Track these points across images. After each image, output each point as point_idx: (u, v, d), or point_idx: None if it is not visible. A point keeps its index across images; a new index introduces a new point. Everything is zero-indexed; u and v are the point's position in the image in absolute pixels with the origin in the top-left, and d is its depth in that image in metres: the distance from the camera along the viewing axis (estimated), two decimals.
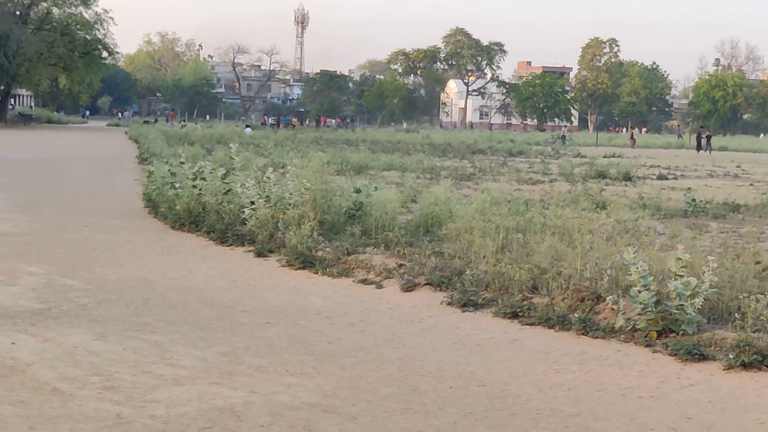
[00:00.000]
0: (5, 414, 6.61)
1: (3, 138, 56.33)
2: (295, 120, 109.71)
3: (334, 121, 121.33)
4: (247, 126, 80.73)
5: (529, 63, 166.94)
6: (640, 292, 9.14)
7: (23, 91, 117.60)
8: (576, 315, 9.63)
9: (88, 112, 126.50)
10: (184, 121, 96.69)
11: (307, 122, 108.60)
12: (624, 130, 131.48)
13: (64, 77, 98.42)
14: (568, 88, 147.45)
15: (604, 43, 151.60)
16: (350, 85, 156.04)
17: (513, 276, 10.79)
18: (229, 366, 8.04)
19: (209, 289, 11.54)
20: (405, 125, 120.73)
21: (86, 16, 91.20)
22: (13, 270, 12.39)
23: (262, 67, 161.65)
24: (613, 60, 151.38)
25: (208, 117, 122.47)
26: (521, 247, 12.29)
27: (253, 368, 7.98)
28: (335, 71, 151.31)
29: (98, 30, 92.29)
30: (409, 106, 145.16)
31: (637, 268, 9.24)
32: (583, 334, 9.33)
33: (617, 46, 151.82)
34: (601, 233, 12.21)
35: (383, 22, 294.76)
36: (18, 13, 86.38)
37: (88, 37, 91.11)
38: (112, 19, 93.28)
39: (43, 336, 8.88)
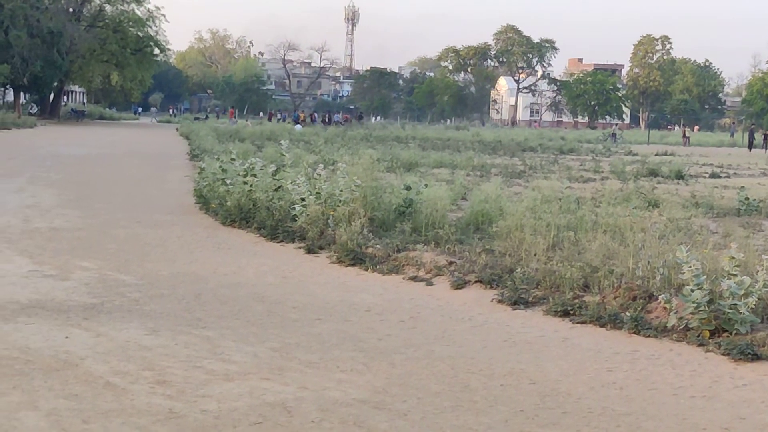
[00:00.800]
0: (59, 407, 6.67)
1: (56, 134, 57.04)
2: (303, 114, 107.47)
3: (340, 116, 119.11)
4: (297, 123, 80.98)
5: (580, 60, 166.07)
6: (692, 291, 9.05)
7: (76, 88, 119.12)
8: (628, 314, 9.56)
9: (140, 109, 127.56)
10: (235, 117, 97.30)
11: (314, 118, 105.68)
12: (676, 127, 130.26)
13: (116, 74, 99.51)
14: (619, 86, 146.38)
15: (657, 40, 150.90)
16: (400, 82, 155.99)
17: (564, 274, 10.73)
18: (279, 362, 8.06)
19: (260, 285, 11.58)
20: (449, 122, 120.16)
21: (138, 13, 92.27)
22: (66, 265, 12.51)
23: (313, 64, 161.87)
24: (665, 57, 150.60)
25: (261, 114, 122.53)
26: (572, 245, 12.20)
27: (304, 364, 8.00)
28: (385, 68, 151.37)
29: (150, 27, 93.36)
30: (459, 103, 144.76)
31: (690, 266, 9.15)
32: (634, 332, 9.26)
33: (669, 43, 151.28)
34: (654, 232, 12.12)
35: (433, 20, 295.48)
36: (71, 10, 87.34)
37: (140, 34, 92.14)
38: (163, 16, 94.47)
39: (95, 330, 8.96)
